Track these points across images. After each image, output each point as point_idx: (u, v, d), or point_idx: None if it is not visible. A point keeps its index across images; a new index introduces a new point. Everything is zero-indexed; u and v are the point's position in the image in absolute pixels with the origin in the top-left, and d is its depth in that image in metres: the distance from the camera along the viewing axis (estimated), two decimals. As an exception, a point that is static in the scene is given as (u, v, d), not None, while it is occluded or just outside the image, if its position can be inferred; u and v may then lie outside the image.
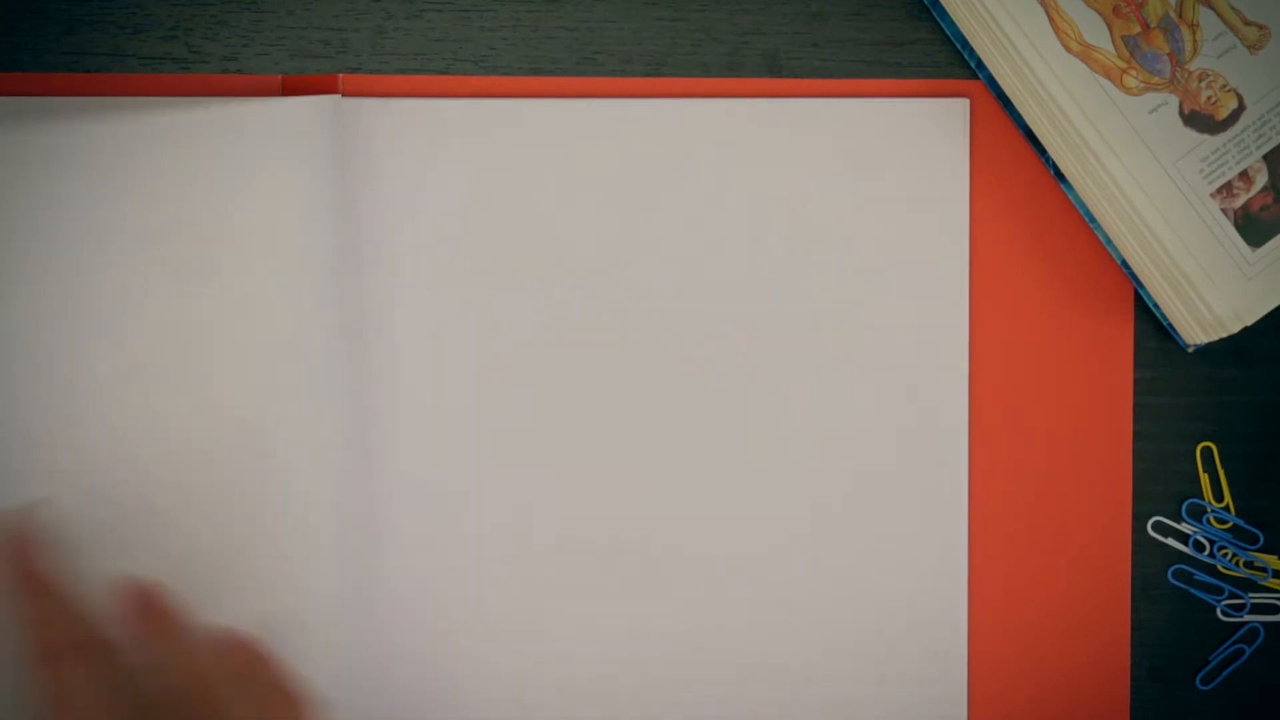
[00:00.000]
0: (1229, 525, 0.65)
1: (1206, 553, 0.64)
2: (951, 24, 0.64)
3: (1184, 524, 0.65)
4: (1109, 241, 0.63)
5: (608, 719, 0.64)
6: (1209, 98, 0.60)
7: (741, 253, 0.64)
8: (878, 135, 0.64)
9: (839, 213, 0.64)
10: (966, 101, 0.64)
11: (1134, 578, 0.65)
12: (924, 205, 0.64)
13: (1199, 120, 0.60)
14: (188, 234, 0.63)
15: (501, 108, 0.63)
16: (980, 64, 0.63)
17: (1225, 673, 0.65)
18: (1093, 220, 0.63)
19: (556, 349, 0.64)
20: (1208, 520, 0.65)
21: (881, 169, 0.64)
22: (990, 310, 0.64)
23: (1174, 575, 0.65)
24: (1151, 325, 0.65)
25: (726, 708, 0.64)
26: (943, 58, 0.65)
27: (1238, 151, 0.60)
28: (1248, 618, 0.64)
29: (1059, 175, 0.63)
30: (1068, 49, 0.60)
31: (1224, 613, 0.65)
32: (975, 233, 0.64)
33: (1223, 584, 0.64)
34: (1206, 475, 0.65)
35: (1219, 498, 0.65)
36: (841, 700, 0.64)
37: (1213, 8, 0.61)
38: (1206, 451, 0.65)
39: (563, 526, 0.64)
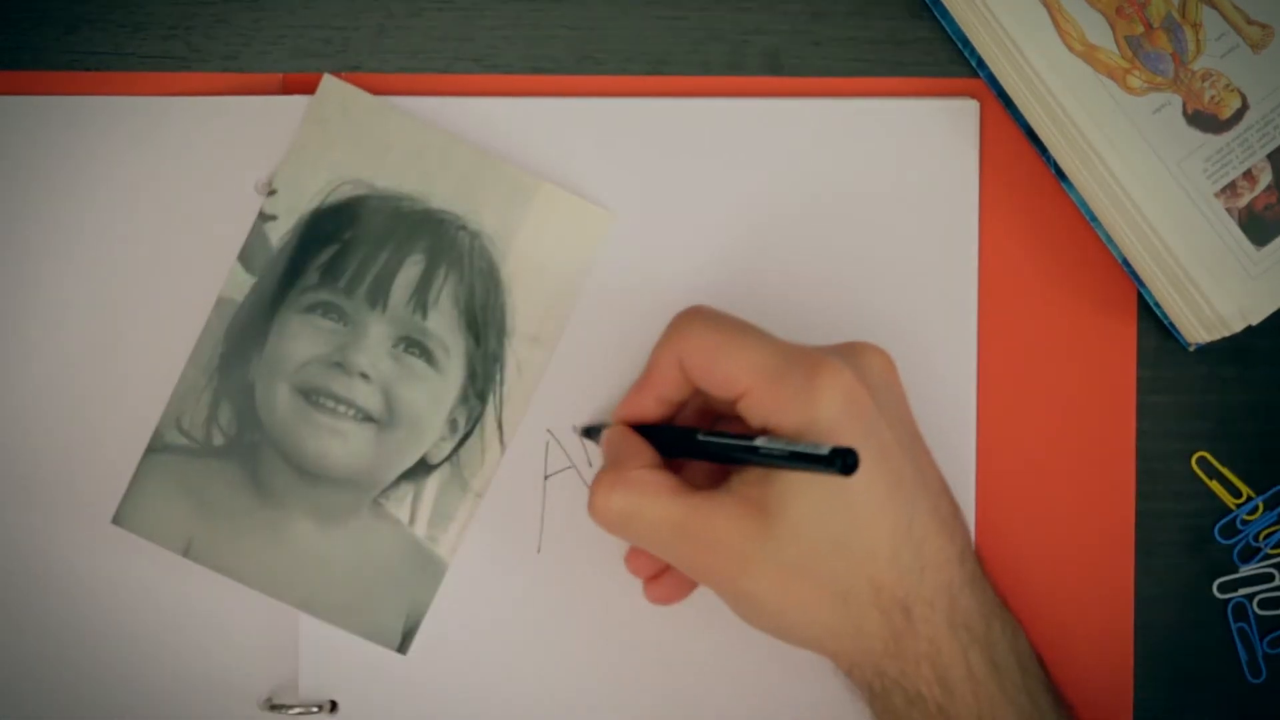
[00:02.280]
0: (1259, 512, 0.64)
1: (1260, 556, 0.64)
2: (952, 22, 0.63)
3: (1225, 543, 0.65)
4: (1111, 241, 0.63)
5: (605, 708, 0.64)
6: (1212, 97, 0.60)
7: (745, 252, 0.64)
8: (886, 135, 0.64)
9: (846, 212, 0.64)
10: (976, 103, 0.64)
11: (1137, 575, 0.65)
12: (933, 206, 0.64)
13: (1202, 120, 0.60)
14: (188, 230, 0.63)
15: (502, 106, 0.63)
16: (981, 63, 0.63)
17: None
18: (1095, 220, 0.63)
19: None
20: (1239, 521, 0.64)
21: (890, 169, 0.64)
22: (996, 310, 0.64)
23: (1219, 589, 0.65)
24: (1154, 324, 0.64)
25: (732, 704, 0.64)
26: (944, 56, 0.64)
27: (1241, 151, 0.60)
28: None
29: (1060, 174, 0.63)
30: (1070, 49, 0.60)
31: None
32: (980, 233, 0.64)
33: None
34: (1215, 482, 0.65)
35: (1236, 494, 0.65)
36: (849, 697, 0.64)
37: (1216, 8, 0.60)
38: (1202, 461, 0.65)
39: (566, 529, 0.64)
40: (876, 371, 0.56)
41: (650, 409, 0.59)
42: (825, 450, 0.51)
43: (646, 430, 0.59)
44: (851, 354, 0.56)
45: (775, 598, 0.55)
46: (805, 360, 0.55)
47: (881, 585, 0.54)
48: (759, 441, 0.54)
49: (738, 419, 0.56)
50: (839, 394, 0.54)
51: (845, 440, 0.52)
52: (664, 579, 0.61)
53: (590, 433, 0.62)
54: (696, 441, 0.57)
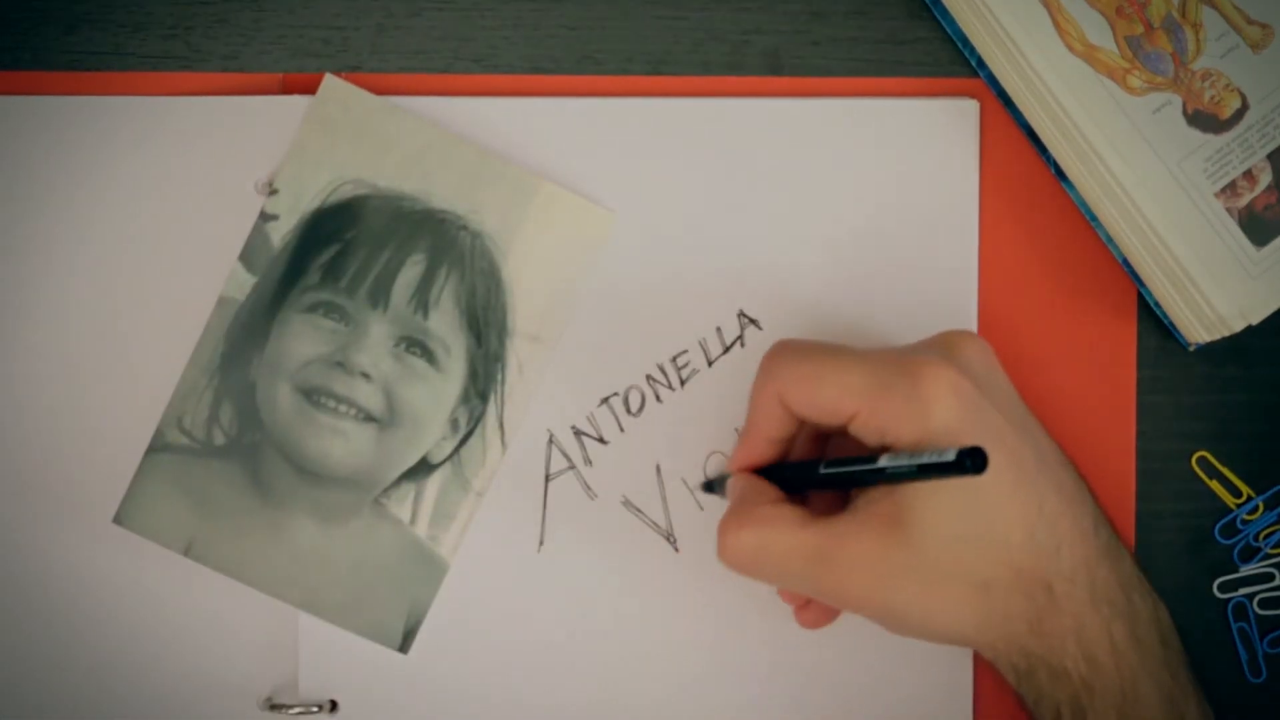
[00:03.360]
0: (1259, 512, 0.64)
1: (1260, 556, 0.64)
2: (952, 22, 0.63)
3: (1225, 543, 0.65)
4: (1111, 241, 0.63)
5: (605, 708, 0.64)
6: (1212, 97, 0.60)
7: (745, 252, 0.64)
8: (886, 135, 0.64)
9: (846, 212, 0.64)
10: (976, 103, 0.64)
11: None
12: (933, 206, 0.64)
13: (1202, 120, 0.60)
14: (188, 231, 0.63)
15: (502, 106, 0.63)
16: (981, 63, 0.63)
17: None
18: (1095, 220, 0.63)
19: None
20: (1240, 521, 0.64)
21: (890, 169, 0.64)
22: (996, 310, 0.64)
23: (1220, 588, 0.65)
24: (1153, 324, 0.64)
25: (733, 704, 0.64)
26: (944, 56, 0.64)
27: (1241, 151, 0.60)
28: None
29: (1060, 174, 0.63)
30: (1071, 50, 0.60)
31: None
32: (980, 233, 0.64)
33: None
34: (1215, 482, 0.65)
35: (1237, 494, 0.65)
36: (851, 697, 0.64)
37: (1215, 8, 0.60)
38: (1202, 461, 0.65)
39: (567, 529, 0.64)
40: (977, 360, 0.56)
41: (763, 451, 0.58)
42: (952, 455, 0.50)
43: (766, 472, 0.58)
44: (947, 347, 0.56)
45: (922, 605, 0.54)
46: (906, 368, 0.54)
47: (1021, 568, 0.54)
48: (883, 461, 0.53)
49: (850, 438, 0.56)
50: (948, 394, 0.53)
51: (964, 439, 0.52)
52: (814, 605, 0.61)
53: (711, 486, 0.62)
54: (820, 474, 0.56)
